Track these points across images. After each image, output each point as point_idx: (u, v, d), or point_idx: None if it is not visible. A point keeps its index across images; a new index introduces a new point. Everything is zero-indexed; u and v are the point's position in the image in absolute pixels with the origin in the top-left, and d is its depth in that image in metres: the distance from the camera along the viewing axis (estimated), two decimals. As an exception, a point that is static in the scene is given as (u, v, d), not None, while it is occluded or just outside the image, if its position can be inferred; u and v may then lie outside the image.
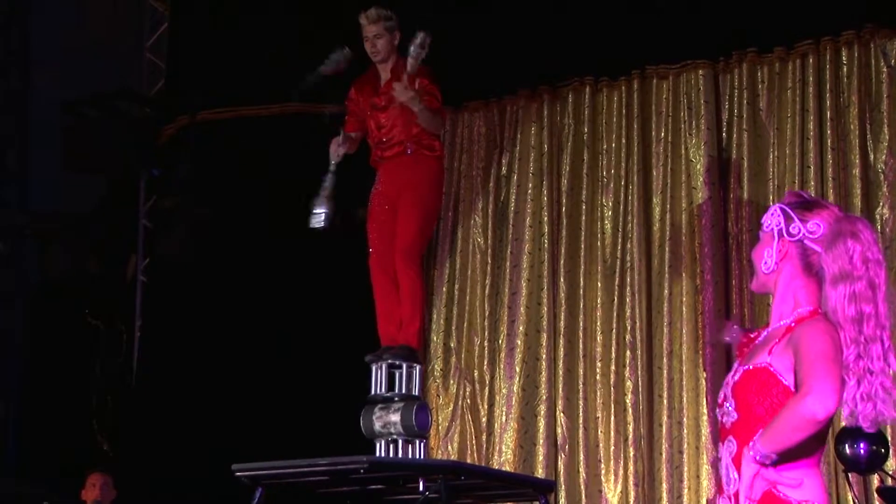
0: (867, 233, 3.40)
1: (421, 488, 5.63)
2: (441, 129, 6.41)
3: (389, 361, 6.23)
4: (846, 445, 6.16)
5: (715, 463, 6.62)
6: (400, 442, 6.16)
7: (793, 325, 3.42)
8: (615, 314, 7.71)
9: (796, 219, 3.47)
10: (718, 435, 3.51)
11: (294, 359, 7.99)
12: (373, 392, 6.20)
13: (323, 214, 6.34)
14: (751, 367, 3.42)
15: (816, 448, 3.36)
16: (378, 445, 6.19)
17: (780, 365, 3.37)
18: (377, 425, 6.13)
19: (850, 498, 6.76)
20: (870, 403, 3.32)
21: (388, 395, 6.18)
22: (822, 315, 3.40)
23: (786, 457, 3.32)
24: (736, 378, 3.44)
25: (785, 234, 3.47)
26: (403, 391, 6.20)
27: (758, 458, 3.30)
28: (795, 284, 3.46)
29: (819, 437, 3.35)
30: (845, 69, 7.36)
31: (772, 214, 3.51)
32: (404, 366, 6.24)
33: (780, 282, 3.48)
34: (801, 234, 3.46)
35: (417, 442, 6.21)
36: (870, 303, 3.34)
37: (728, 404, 3.43)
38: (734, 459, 3.38)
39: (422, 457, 6.17)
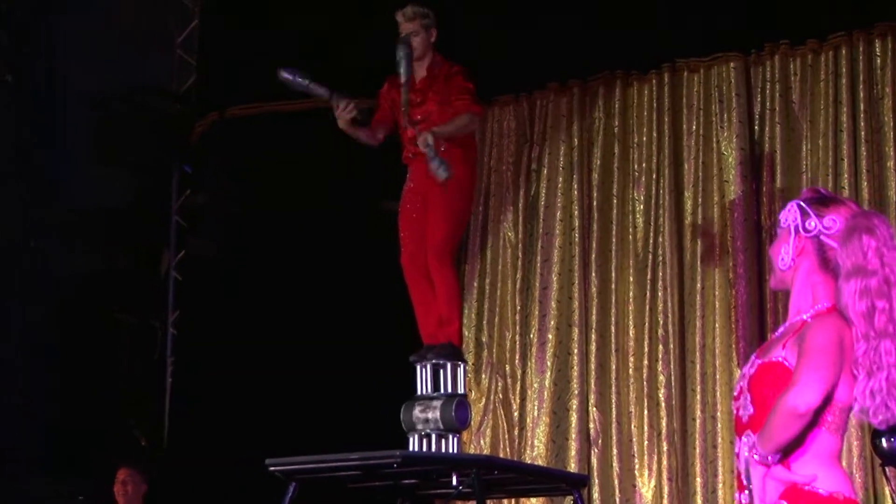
0: (883, 228, 3.39)
1: (454, 483, 5.63)
2: (471, 128, 6.40)
3: (434, 361, 6.21)
4: (883, 439, 6.16)
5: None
6: (433, 437, 6.14)
7: (809, 320, 3.42)
8: (647, 308, 7.71)
9: (812, 214, 3.46)
10: (734, 429, 3.52)
11: (330, 355, 7.99)
12: (419, 392, 6.19)
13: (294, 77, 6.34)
14: (766, 360, 3.42)
15: (830, 441, 3.35)
16: (411, 440, 6.18)
17: (793, 359, 3.37)
18: (417, 417, 6.13)
19: (887, 492, 6.75)
20: (878, 399, 3.31)
21: (434, 394, 6.17)
22: (837, 311, 3.40)
23: (790, 453, 3.33)
24: (752, 371, 3.44)
25: (801, 231, 3.47)
26: (449, 390, 6.18)
27: (759, 458, 3.32)
28: (813, 280, 3.45)
29: (833, 429, 3.35)
30: (878, 60, 7.34)
31: (788, 210, 3.52)
32: (448, 364, 6.22)
33: (798, 278, 3.48)
34: (816, 230, 3.46)
35: (450, 436, 6.18)
36: (883, 298, 3.33)
37: (744, 397, 3.44)
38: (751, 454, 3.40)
39: (455, 451, 6.16)
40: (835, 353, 3.30)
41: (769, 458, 3.31)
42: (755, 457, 3.31)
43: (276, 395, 8.09)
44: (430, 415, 6.06)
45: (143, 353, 9.09)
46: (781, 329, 3.51)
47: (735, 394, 3.49)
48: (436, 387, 6.12)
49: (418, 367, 6.17)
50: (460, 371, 6.22)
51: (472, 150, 6.56)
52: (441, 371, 6.17)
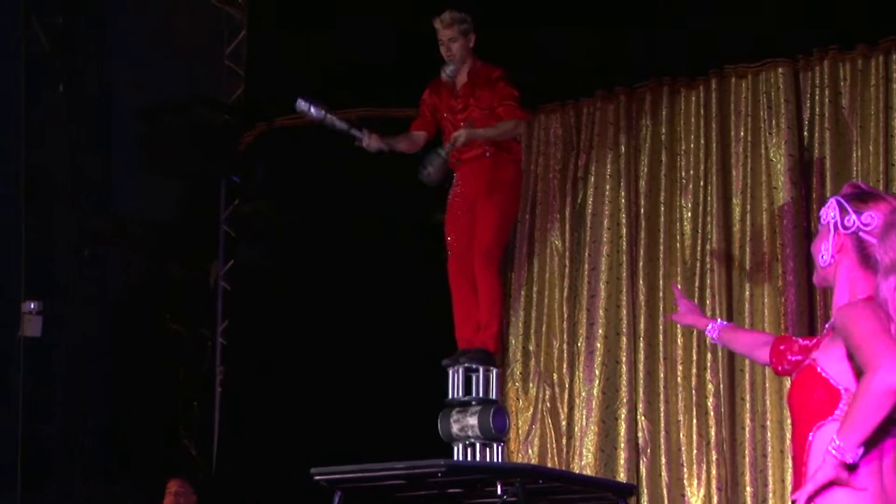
0: None
1: (499, 492, 5.65)
2: (516, 132, 6.44)
3: (466, 365, 6.24)
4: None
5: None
6: (478, 445, 6.18)
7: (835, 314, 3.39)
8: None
9: (851, 211, 3.44)
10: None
11: (374, 362, 8.04)
12: (450, 396, 6.23)
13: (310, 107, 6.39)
14: (806, 363, 3.42)
15: (878, 438, 3.26)
16: (456, 449, 6.22)
17: (825, 358, 3.34)
18: (455, 429, 6.16)
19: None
20: None
21: (466, 398, 6.20)
22: (871, 300, 3.34)
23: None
24: (794, 375, 3.47)
25: (840, 227, 3.44)
26: (481, 395, 6.22)
27: (841, 454, 3.19)
28: (854, 276, 3.43)
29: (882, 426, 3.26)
30: (930, 65, 7.25)
31: (828, 207, 3.49)
32: (481, 369, 6.25)
33: (839, 275, 3.45)
34: (855, 227, 3.43)
35: (495, 445, 6.23)
36: None
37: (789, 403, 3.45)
38: (793, 460, 3.37)
39: (499, 460, 6.19)
40: (889, 331, 3.23)
41: (853, 454, 3.19)
42: (832, 451, 3.20)
43: (322, 403, 8.13)
44: (468, 426, 6.11)
45: (194, 362, 9.16)
46: (827, 326, 3.49)
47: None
48: (467, 391, 6.17)
49: (450, 371, 6.22)
50: (492, 376, 6.26)
51: (517, 153, 6.59)
52: (473, 376, 6.21)
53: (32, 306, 8.12)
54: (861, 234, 3.42)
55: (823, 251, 3.46)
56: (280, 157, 8.84)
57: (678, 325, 7.59)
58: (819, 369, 3.35)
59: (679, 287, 7.51)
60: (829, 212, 3.46)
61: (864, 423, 3.17)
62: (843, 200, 3.46)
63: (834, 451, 3.19)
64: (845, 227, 3.43)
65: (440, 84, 6.54)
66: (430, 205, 6.98)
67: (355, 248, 8.33)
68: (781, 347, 3.75)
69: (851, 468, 3.21)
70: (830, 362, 3.34)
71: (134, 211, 9.16)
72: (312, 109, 6.41)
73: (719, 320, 4.30)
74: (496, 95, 6.33)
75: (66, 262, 8.81)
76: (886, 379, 3.14)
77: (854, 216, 3.43)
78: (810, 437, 3.33)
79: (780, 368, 3.78)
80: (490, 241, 6.36)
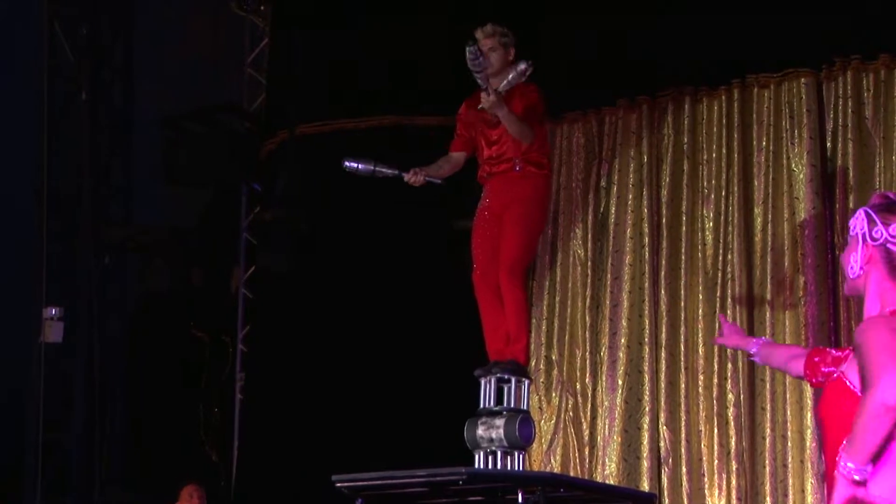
0: None
1: (520, 500, 5.66)
2: (529, 140, 6.41)
3: (498, 376, 6.26)
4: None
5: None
6: (499, 454, 6.18)
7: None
8: (716, 326, 7.52)
9: (879, 222, 3.45)
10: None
11: (398, 371, 8.05)
12: (482, 406, 6.25)
13: (358, 165, 6.46)
14: (834, 375, 3.45)
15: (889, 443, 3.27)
16: (477, 457, 6.22)
17: (853, 371, 3.36)
18: (481, 436, 6.17)
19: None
20: None
21: (497, 408, 6.23)
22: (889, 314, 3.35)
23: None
24: (824, 388, 3.49)
25: (868, 239, 3.46)
26: (512, 405, 6.23)
27: (849, 474, 3.22)
28: (883, 287, 3.43)
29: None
30: (954, 76, 7.22)
31: (856, 218, 3.51)
32: (513, 380, 6.26)
33: (868, 286, 3.46)
34: (883, 238, 3.45)
35: (516, 454, 6.22)
36: None
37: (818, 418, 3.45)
38: (824, 476, 3.44)
39: (520, 469, 6.19)
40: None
41: (863, 472, 3.22)
42: (842, 472, 3.24)
43: (343, 410, 8.13)
44: (493, 433, 6.10)
45: (215, 368, 9.19)
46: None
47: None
48: (499, 401, 6.17)
49: (482, 382, 6.22)
50: (524, 388, 6.26)
51: (547, 168, 6.60)
52: (505, 387, 6.21)
53: (54, 312, 8.16)
54: (889, 245, 3.44)
55: (853, 262, 3.46)
56: (301, 165, 8.85)
57: (699, 335, 7.70)
58: (848, 382, 3.38)
59: (700, 294, 7.65)
60: (858, 223, 3.48)
61: (867, 442, 3.19)
62: (871, 211, 3.47)
63: (844, 472, 3.22)
64: (873, 239, 3.45)
65: (476, 98, 6.54)
66: (456, 213, 7.00)
67: (377, 256, 8.34)
68: (816, 359, 3.78)
69: (863, 483, 3.22)
70: (857, 375, 3.35)
71: (156, 218, 9.25)
72: (360, 167, 6.48)
73: (761, 338, 4.32)
74: (523, 103, 6.38)
75: (88, 268, 8.87)
76: (880, 397, 3.16)
77: (882, 228, 3.44)
78: (841, 451, 3.33)
79: (813, 380, 3.79)
80: (516, 255, 6.37)
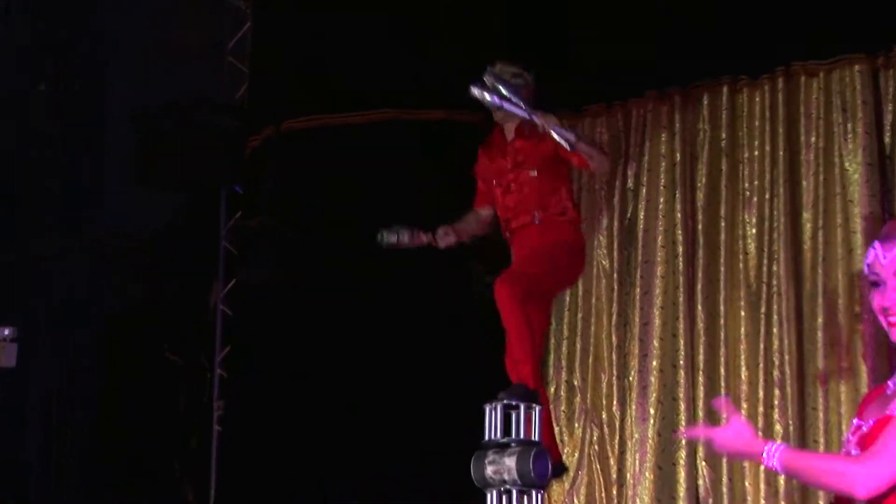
0: None
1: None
2: (603, 163, 6.42)
3: (505, 402, 6.09)
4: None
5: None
6: (514, 492, 6.02)
7: None
8: (761, 347, 7.51)
9: None
10: None
11: (397, 401, 7.90)
12: (487, 437, 6.08)
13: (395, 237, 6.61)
14: (886, 412, 3.38)
15: None
16: (489, 496, 6.06)
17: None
18: (489, 472, 6.03)
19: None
20: None
21: (504, 440, 6.06)
22: None
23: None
24: (864, 431, 3.40)
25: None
26: (521, 436, 6.05)
27: (767, 460, 3.36)
28: None
29: None
30: None
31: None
32: (522, 406, 6.08)
33: None
34: None
35: (534, 493, 6.05)
36: None
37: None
38: None
39: (540, 510, 6.11)
40: None
41: (771, 461, 3.36)
42: (764, 455, 3.37)
43: (335, 444, 8.04)
44: (505, 472, 5.98)
45: (191, 395, 9.04)
46: None
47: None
48: (506, 431, 6.04)
49: (487, 409, 6.09)
50: (535, 415, 6.11)
51: (571, 213, 6.57)
52: (513, 414, 6.09)
53: (6, 333, 7.90)
54: None
55: None
56: (289, 165, 8.72)
57: (741, 358, 7.60)
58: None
59: (742, 311, 7.44)
60: None
61: (806, 476, 3.36)
62: None
63: (765, 455, 3.35)
64: None
65: (490, 145, 6.59)
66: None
67: (374, 269, 8.10)
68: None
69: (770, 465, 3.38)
70: None
71: (123, 225, 9.07)
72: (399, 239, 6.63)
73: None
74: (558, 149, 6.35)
75: (46, 281, 8.73)
76: (854, 482, 3.27)
77: None
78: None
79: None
80: (531, 275, 6.28)
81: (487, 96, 6.18)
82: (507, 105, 6.19)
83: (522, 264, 6.35)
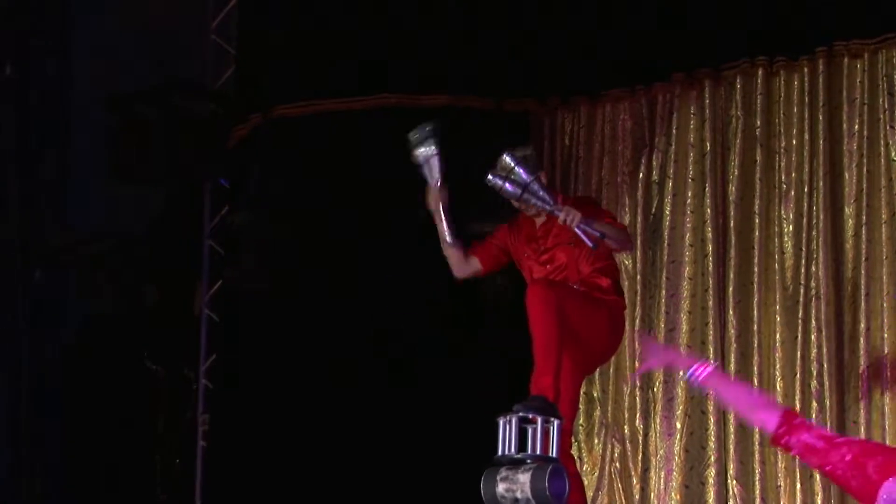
0: None
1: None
2: (626, 243, 6.45)
3: (521, 415, 6.00)
4: None
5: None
6: None
7: None
8: (798, 355, 7.48)
9: None
10: None
11: (396, 414, 7.87)
12: (500, 452, 5.98)
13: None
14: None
15: None
16: None
17: None
18: (501, 489, 5.91)
19: None
20: None
21: (519, 456, 5.95)
22: None
23: None
24: None
25: None
26: (538, 451, 5.95)
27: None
28: None
29: None
30: None
31: None
32: (539, 420, 5.98)
33: None
34: None
35: None
36: None
37: None
38: None
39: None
40: None
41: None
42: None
43: (328, 461, 8.01)
44: (518, 491, 5.87)
45: (174, 409, 9.00)
46: None
47: None
48: (521, 446, 5.95)
49: (501, 423, 5.99)
50: (553, 430, 6.01)
51: (613, 292, 6.52)
52: (529, 428, 5.97)
53: None
54: None
55: None
56: (279, 156, 8.63)
57: (777, 366, 7.62)
58: None
59: (777, 316, 7.59)
60: None
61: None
62: None
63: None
64: None
65: (519, 228, 6.56)
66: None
67: (372, 269, 8.14)
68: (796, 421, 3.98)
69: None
70: None
71: (98, 223, 9.06)
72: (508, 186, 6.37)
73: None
74: (592, 212, 6.34)
75: (11, 286, 8.65)
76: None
77: None
78: None
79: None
80: (571, 295, 6.23)
81: (509, 186, 6.22)
82: (526, 196, 6.23)
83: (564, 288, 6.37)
